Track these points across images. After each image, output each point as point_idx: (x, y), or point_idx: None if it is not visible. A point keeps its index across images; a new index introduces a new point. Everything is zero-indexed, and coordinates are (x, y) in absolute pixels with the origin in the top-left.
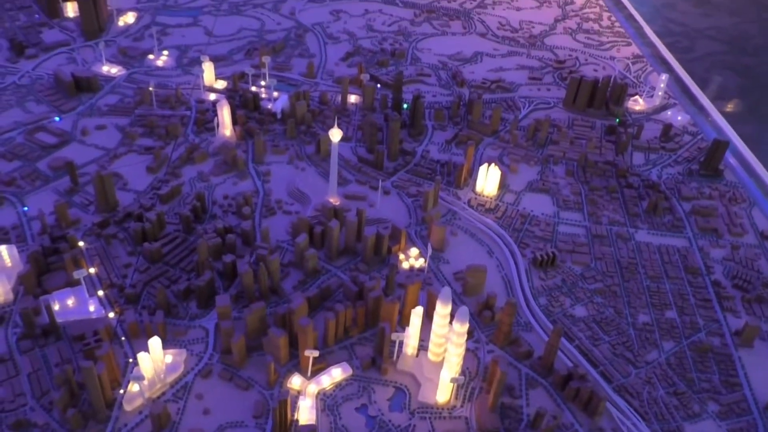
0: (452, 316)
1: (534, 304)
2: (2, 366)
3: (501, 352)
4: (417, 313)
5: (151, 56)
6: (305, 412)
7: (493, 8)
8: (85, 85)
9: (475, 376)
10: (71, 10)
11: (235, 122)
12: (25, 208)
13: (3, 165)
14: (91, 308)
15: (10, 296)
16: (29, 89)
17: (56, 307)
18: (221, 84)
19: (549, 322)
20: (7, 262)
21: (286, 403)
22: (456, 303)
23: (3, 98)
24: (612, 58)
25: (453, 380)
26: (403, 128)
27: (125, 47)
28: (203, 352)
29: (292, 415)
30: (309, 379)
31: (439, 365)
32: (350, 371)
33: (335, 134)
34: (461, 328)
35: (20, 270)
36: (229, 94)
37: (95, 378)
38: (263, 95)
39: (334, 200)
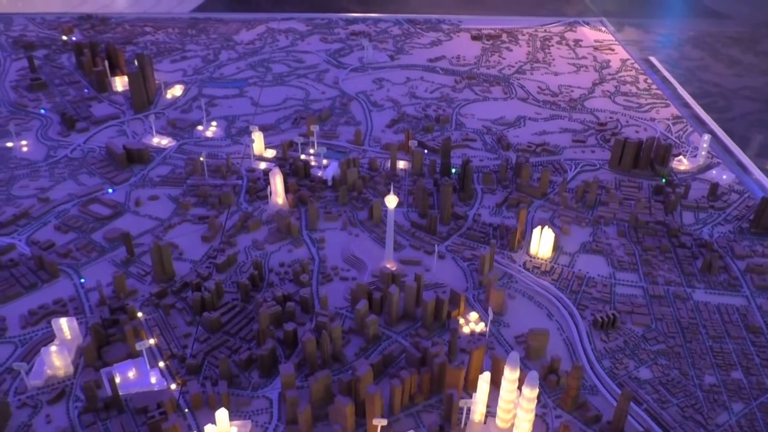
0: (520, 381)
1: (598, 367)
2: None
3: (569, 416)
4: (485, 379)
5: (200, 127)
6: None
7: (532, 73)
8: (136, 157)
9: None
10: (120, 84)
11: (287, 190)
12: (82, 280)
13: (59, 237)
14: (153, 380)
15: (71, 369)
16: (81, 162)
17: (117, 379)
18: (270, 153)
19: (615, 385)
20: (67, 334)
21: None
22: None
23: (56, 171)
24: (652, 119)
25: None
26: (453, 192)
27: (174, 119)
28: (268, 422)
29: None
30: None
31: (508, 431)
32: None
33: (391, 201)
34: (531, 393)
35: (80, 342)
36: (279, 162)
37: None
38: (313, 163)
39: (391, 265)
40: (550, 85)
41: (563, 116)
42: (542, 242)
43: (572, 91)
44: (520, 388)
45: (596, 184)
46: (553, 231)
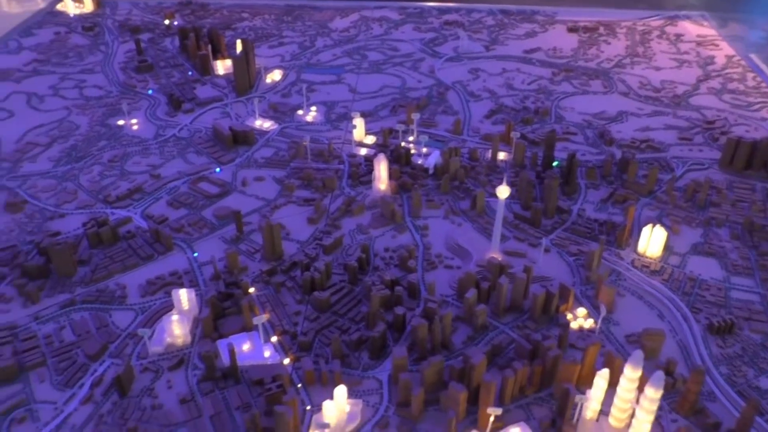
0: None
1: (716, 373)
2: (185, 406)
3: (686, 421)
4: (603, 376)
5: (300, 112)
6: None
7: (632, 68)
8: (241, 138)
9: None
10: (221, 67)
11: (389, 177)
12: (195, 254)
13: (171, 212)
14: (266, 354)
15: (188, 339)
16: (189, 141)
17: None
18: (371, 139)
19: (734, 393)
20: (185, 305)
21: None
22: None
23: (166, 150)
24: (764, 119)
25: None
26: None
27: (275, 103)
28: (378, 403)
29: None
30: None
31: (622, 431)
32: (529, 431)
33: (503, 191)
34: (655, 394)
35: (196, 313)
36: (379, 149)
37: (287, 423)
38: (413, 151)
39: (497, 256)
40: (652, 80)
41: (667, 113)
42: (652, 241)
43: (675, 87)
44: (638, 388)
45: (708, 184)
46: (666, 231)
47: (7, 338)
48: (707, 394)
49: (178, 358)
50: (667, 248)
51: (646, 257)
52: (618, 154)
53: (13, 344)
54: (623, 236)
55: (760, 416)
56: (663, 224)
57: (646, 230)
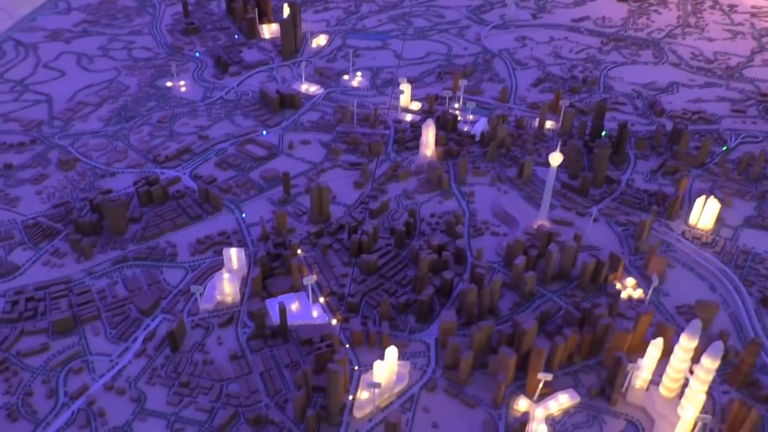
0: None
1: None
2: (236, 363)
3: (738, 393)
4: (657, 345)
5: (346, 77)
6: None
7: (683, 38)
8: (288, 102)
9: (712, 417)
10: (267, 31)
11: (435, 143)
12: (243, 215)
13: (219, 173)
14: (315, 314)
15: (238, 297)
16: (236, 104)
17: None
18: (416, 105)
19: None
20: (235, 264)
21: (524, 426)
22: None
23: (213, 112)
24: None
25: (699, 419)
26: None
27: (321, 68)
28: (426, 365)
29: None
30: (535, 402)
31: (673, 401)
32: (578, 398)
33: (555, 158)
34: (713, 364)
35: (245, 273)
36: (425, 115)
37: (340, 382)
38: (459, 118)
39: (545, 224)
40: (704, 51)
41: (720, 84)
42: (704, 213)
43: (729, 58)
44: (692, 358)
45: (762, 157)
46: (717, 202)
47: (63, 292)
48: (760, 367)
49: (228, 316)
50: (719, 221)
51: (698, 229)
52: (669, 125)
53: (69, 298)
54: (674, 207)
55: None
56: (715, 196)
57: (699, 202)
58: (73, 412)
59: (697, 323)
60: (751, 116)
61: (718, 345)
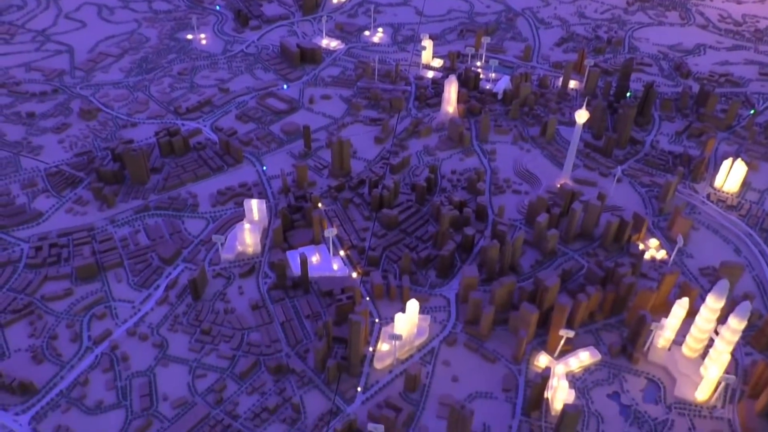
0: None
1: None
2: (257, 312)
3: (761, 355)
4: (682, 305)
5: (366, 33)
6: (563, 392)
7: (712, 0)
8: (309, 57)
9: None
10: None
11: (457, 100)
12: (264, 168)
13: (239, 126)
14: (335, 266)
15: (258, 248)
16: (256, 58)
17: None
18: (438, 62)
19: None
20: (256, 215)
21: (546, 380)
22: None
23: (234, 65)
24: None
25: (724, 379)
26: None
27: (341, 23)
28: (446, 320)
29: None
30: (556, 359)
31: (695, 361)
32: (598, 356)
33: (581, 115)
34: (740, 324)
35: (266, 224)
36: (446, 72)
37: (360, 333)
38: (482, 76)
39: (568, 182)
40: (733, 13)
41: (748, 47)
42: (731, 175)
43: (758, 21)
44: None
45: None
46: (744, 164)
47: (86, 239)
48: None
49: (249, 266)
50: (745, 184)
51: (723, 192)
52: (695, 87)
53: (92, 245)
54: (699, 169)
55: None
56: (742, 159)
57: (725, 164)
58: (96, 356)
59: (724, 283)
60: None
61: (746, 305)
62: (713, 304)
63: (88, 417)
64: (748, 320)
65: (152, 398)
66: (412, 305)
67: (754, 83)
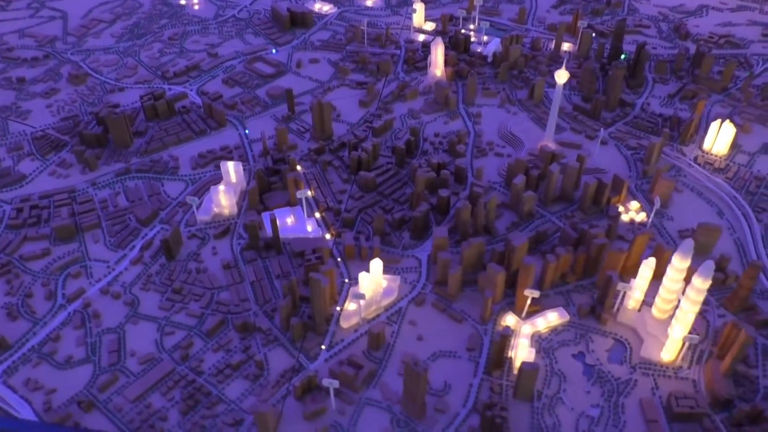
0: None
1: None
2: (229, 272)
3: (733, 317)
4: (649, 265)
5: None
6: (524, 351)
7: None
8: (299, 20)
9: (704, 339)
10: None
11: (446, 63)
12: (247, 131)
13: (225, 90)
14: (309, 228)
15: (235, 210)
16: (247, 22)
17: (278, 223)
18: (430, 25)
19: None
20: (233, 177)
21: (506, 339)
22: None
23: (224, 29)
24: None
25: (687, 339)
26: (623, 79)
27: None
28: (416, 281)
29: (507, 352)
30: (523, 319)
31: (664, 323)
32: (567, 317)
33: (561, 75)
34: (703, 284)
35: (244, 186)
36: (438, 35)
37: (320, 289)
38: (473, 39)
39: (551, 145)
40: None
41: (753, 8)
42: (719, 138)
43: None
44: (685, 280)
45: None
46: (733, 126)
47: (66, 201)
48: (760, 293)
49: (224, 227)
50: (735, 146)
51: (712, 154)
52: (693, 48)
53: (71, 206)
54: (688, 131)
55: None
56: (733, 121)
57: (714, 126)
58: (69, 314)
59: (688, 242)
60: None
61: (709, 264)
62: (679, 264)
63: (57, 371)
64: (725, 282)
65: (120, 354)
66: (376, 264)
67: (756, 44)
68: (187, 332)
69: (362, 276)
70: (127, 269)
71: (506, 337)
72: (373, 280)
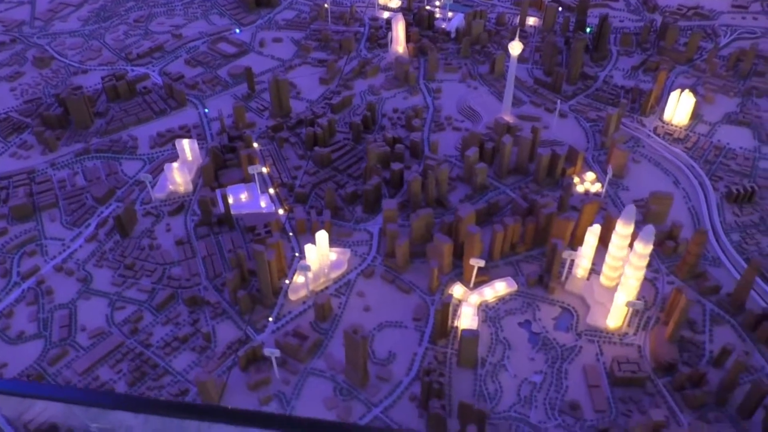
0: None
1: (725, 239)
2: (181, 248)
3: (683, 284)
4: (593, 232)
5: None
6: (467, 319)
7: None
8: (265, 1)
9: (651, 305)
10: None
11: (408, 39)
12: (206, 110)
13: (187, 70)
14: (263, 204)
15: (190, 187)
16: (213, 3)
17: (231, 200)
18: (395, 3)
19: (742, 260)
20: (188, 155)
21: (448, 307)
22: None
23: (190, 11)
24: None
25: (630, 304)
26: (585, 52)
27: None
28: (366, 253)
29: (452, 321)
30: (471, 289)
31: (612, 291)
32: (515, 286)
33: (515, 47)
34: (644, 249)
35: (200, 163)
36: (403, 12)
37: (265, 262)
38: (438, 15)
39: (508, 118)
40: None
41: None
42: (679, 108)
43: None
44: (631, 246)
45: (753, 53)
46: (695, 97)
47: (24, 181)
48: (712, 260)
49: (178, 204)
50: (696, 116)
51: (672, 125)
52: (660, 21)
53: (30, 187)
54: (648, 103)
55: (765, 282)
56: (694, 91)
57: (673, 96)
58: (23, 290)
59: (630, 208)
60: (754, 12)
61: (649, 229)
62: (622, 230)
63: (8, 346)
64: (676, 250)
65: (71, 329)
66: (321, 236)
67: (724, 15)
68: (138, 306)
69: (308, 248)
70: (82, 247)
71: (447, 305)
72: (320, 252)
